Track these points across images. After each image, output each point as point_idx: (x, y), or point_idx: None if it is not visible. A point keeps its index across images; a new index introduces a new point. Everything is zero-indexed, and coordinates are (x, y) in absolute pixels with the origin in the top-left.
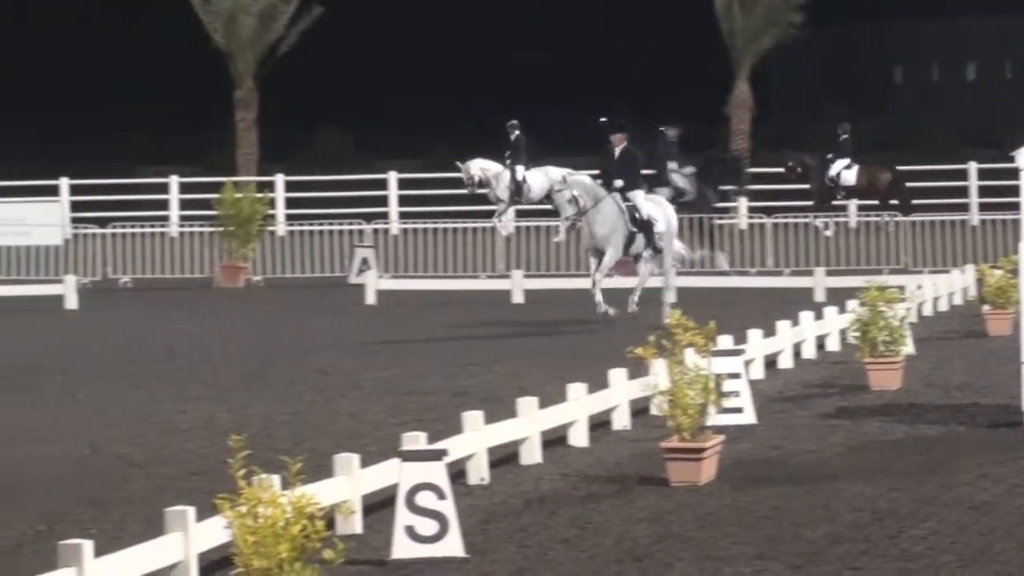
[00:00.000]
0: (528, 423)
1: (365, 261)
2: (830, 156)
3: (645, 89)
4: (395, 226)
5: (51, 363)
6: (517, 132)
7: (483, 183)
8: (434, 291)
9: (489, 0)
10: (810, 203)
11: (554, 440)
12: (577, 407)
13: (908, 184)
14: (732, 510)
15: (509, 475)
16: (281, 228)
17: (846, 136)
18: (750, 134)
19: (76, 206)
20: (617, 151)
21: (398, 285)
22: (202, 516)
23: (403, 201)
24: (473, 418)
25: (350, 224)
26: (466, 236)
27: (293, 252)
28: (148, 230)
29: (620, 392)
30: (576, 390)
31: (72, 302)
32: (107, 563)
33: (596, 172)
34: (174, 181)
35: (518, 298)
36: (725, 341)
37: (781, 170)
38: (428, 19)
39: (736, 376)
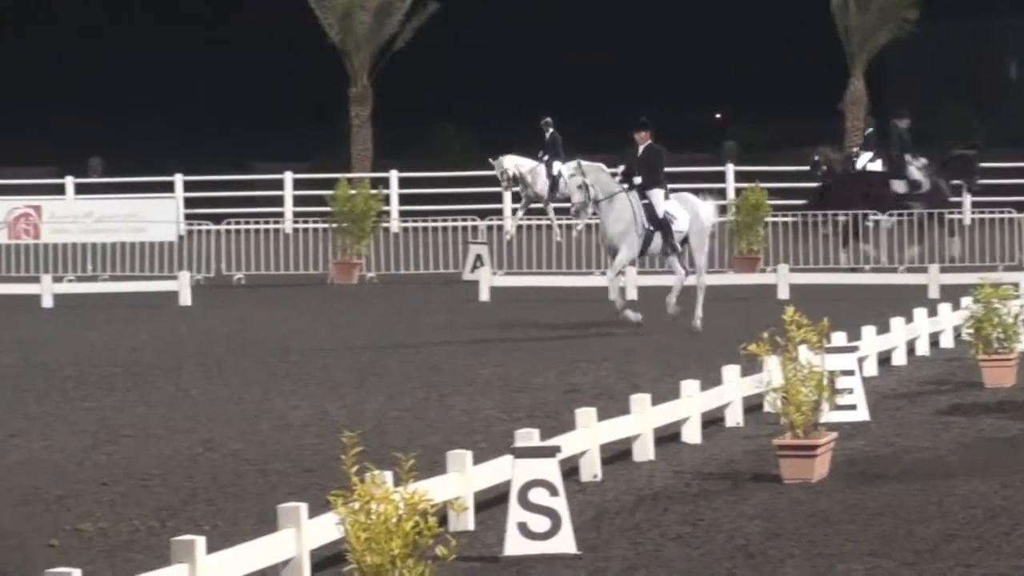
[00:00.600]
0: (641, 420)
1: (479, 258)
2: (855, 150)
3: (761, 86)
4: (509, 222)
5: (164, 359)
6: (552, 129)
7: (516, 180)
8: (547, 287)
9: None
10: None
11: (667, 437)
12: (690, 404)
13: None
14: (845, 507)
15: (622, 472)
16: (395, 225)
17: (871, 131)
18: (864, 131)
19: (190, 202)
20: (641, 148)
21: (512, 281)
22: (315, 512)
23: (518, 198)
24: (586, 415)
25: (464, 220)
26: (580, 232)
27: (407, 248)
28: (262, 226)
29: (733, 389)
30: (689, 387)
31: (186, 298)
32: (219, 559)
33: (616, 170)
34: (288, 177)
35: (632, 295)
36: (839, 338)
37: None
38: (547, 16)
39: (850, 373)
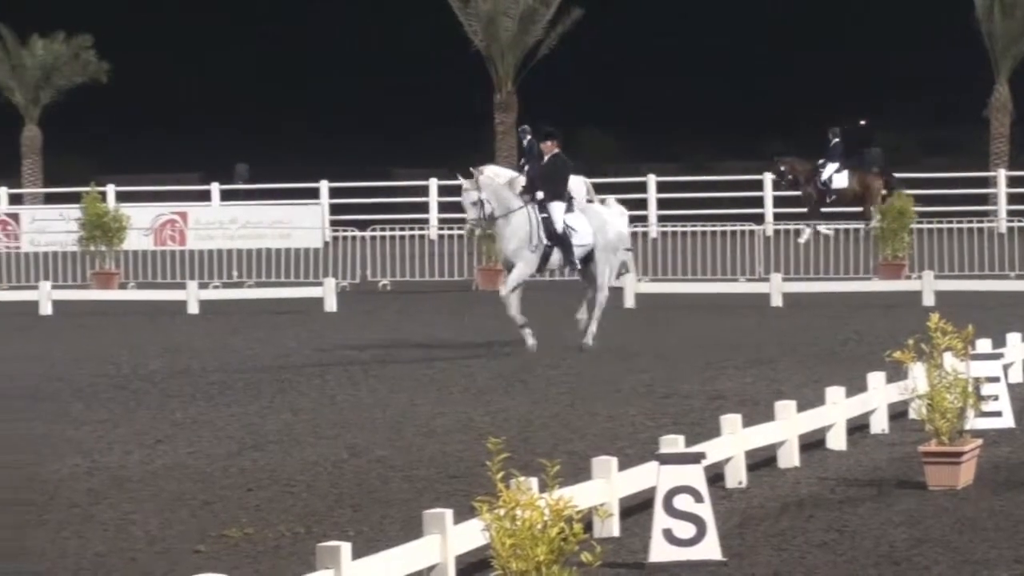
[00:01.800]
0: (786, 426)
1: (624, 264)
2: (821, 161)
3: (905, 92)
4: (654, 229)
5: (310, 366)
6: (529, 137)
7: None
8: (693, 294)
9: (754, 4)
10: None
11: (812, 443)
12: (835, 411)
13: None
14: (990, 514)
15: (767, 478)
16: None
17: (836, 140)
18: (1010, 137)
19: (336, 208)
20: (546, 158)
21: (657, 288)
22: (460, 518)
23: (662, 204)
24: (731, 421)
25: None
26: (725, 239)
27: None
28: (407, 233)
29: (878, 396)
30: (834, 393)
31: (331, 305)
32: (365, 565)
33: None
34: (433, 184)
35: (776, 301)
36: (984, 345)
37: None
38: (688, 23)
39: (995, 380)
